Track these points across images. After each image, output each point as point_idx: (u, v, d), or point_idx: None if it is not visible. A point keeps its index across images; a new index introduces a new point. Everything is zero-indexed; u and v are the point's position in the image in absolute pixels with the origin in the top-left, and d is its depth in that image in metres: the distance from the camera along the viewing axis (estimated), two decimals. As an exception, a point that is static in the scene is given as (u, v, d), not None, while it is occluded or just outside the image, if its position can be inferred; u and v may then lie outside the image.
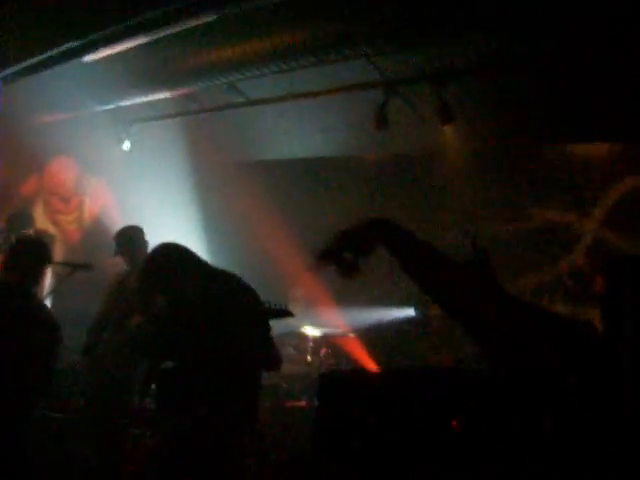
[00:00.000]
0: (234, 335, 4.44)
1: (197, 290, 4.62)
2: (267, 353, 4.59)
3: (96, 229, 10.47)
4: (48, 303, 6.85)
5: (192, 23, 5.84)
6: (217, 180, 9.66)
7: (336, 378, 3.74)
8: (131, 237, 6.43)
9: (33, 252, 4.98)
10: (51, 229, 10.26)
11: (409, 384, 3.37)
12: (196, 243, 7.39)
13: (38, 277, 5.07)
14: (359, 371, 6.75)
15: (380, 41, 5.65)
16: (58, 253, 9.82)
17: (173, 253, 4.77)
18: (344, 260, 2.13)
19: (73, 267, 5.93)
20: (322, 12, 5.73)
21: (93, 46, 5.95)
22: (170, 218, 8.43)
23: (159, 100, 7.94)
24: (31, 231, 7.49)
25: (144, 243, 6.42)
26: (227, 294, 4.61)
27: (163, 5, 4.97)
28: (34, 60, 6.25)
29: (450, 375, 3.35)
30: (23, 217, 7.71)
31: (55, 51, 5.98)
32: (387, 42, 5.66)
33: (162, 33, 5.99)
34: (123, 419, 6.23)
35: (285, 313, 5.18)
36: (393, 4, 5.33)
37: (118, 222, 7.48)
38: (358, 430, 3.10)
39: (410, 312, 8.43)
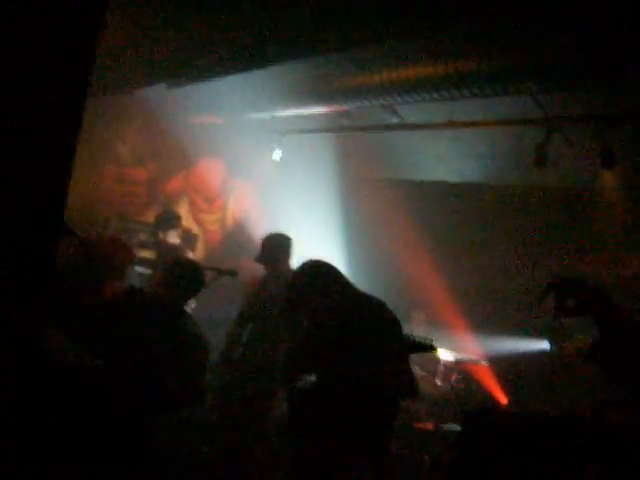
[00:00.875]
0: (373, 361, 4.39)
1: (341, 312, 4.61)
2: (405, 383, 4.52)
3: (237, 232, 10.65)
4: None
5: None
6: (363, 195, 9.66)
7: (482, 419, 3.64)
8: (280, 244, 6.40)
9: (190, 276, 5.08)
10: (194, 228, 10.49)
11: (554, 431, 3.25)
12: (335, 255, 7.38)
13: (190, 298, 5.19)
14: (504, 412, 6.61)
15: (549, 80, 5.47)
16: (199, 252, 10.03)
17: (321, 272, 4.75)
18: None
19: (219, 272, 5.97)
20: (490, 44, 5.59)
21: (264, 62, 6.00)
22: (313, 228, 8.48)
23: (312, 114, 7.97)
24: (178, 231, 7.64)
25: (290, 253, 6.41)
26: (371, 320, 4.55)
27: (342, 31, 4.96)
28: (204, 70, 6.40)
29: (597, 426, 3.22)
30: (171, 217, 7.89)
31: (229, 64, 6.08)
32: (556, 81, 5.48)
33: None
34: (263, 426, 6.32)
35: (429, 348, 5.09)
36: (567, 40, 5.15)
37: (260, 227, 7.55)
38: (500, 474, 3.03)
39: (544, 345, 8.19)
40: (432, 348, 4.89)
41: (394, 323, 4.60)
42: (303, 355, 4.78)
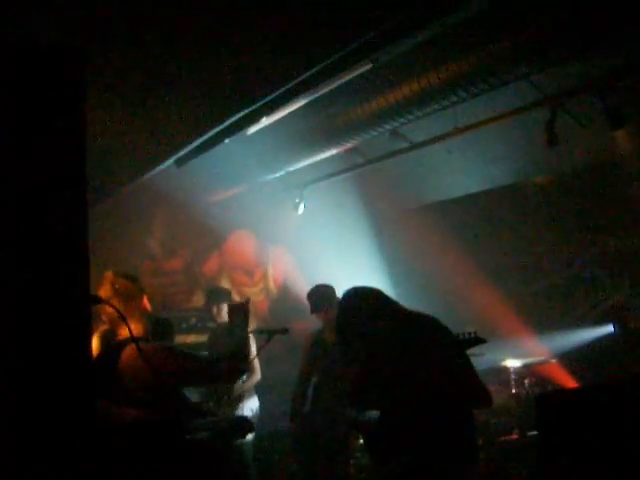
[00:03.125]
0: (441, 376, 4.30)
1: (397, 332, 4.54)
2: (475, 389, 4.41)
3: (283, 296, 10.65)
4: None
5: (349, 75, 5.89)
6: (397, 228, 9.64)
7: (555, 398, 3.55)
8: (324, 294, 6.49)
9: None
10: (241, 303, 10.46)
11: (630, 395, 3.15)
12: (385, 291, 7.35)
13: None
14: (574, 389, 6.47)
15: (539, 57, 5.44)
16: (251, 325, 10.00)
17: (368, 296, 4.67)
18: None
19: (269, 333, 5.95)
20: (472, 42, 5.62)
21: (257, 115, 6.06)
22: (353, 270, 8.46)
23: (326, 159, 8.01)
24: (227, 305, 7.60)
25: (336, 301, 6.43)
26: (430, 335, 4.44)
27: (318, 62, 4.98)
28: (202, 139, 6.47)
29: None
30: (222, 291, 7.88)
31: (220, 127, 6.15)
32: (547, 57, 5.44)
33: (321, 91, 6.08)
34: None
35: (478, 340, 5.00)
36: (547, 15, 5.15)
37: (303, 285, 7.54)
38: (587, 448, 2.93)
39: (609, 329, 8.04)
40: (481, 340, 4.80)
41: (447, 330, 4.50)
42: (366, 386, 4.69)
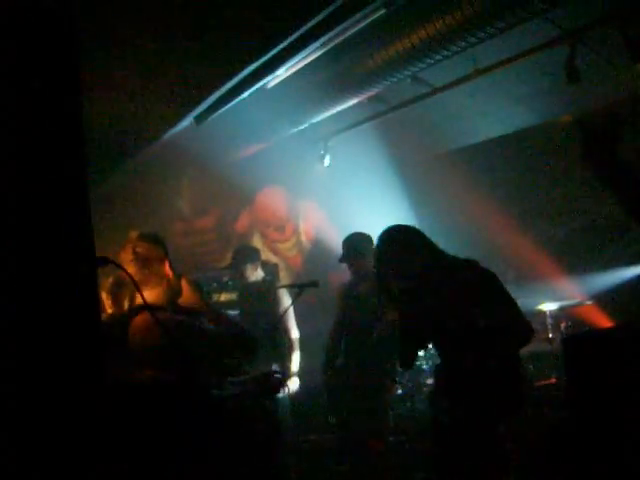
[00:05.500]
0: (487, 313, 4.37)
1: (437, 272, 4.58)
2: (524, 326, 4.40)
3: (316, 250, 10.63)
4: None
5: (364, 22, 5.82)
6: (423, 174, 9.54)
7: (581, 339, 3.54)
8: (359, 241, 6.38)
9: None
10: (273, 259, 10.49)
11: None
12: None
13: None
14: (600, 330, 6.44)
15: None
16: (285, 280, 10.01)
17: (408, 235, 4.75)
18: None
19: (299, 287, 5.97)
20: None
21: (271, 66, 6.00)
22: (384, 219, 8.41)
23: (349, 109, 7.92)
24: (257, 265, 7.55)
25: (371, 251, 6.38)
26: (470, 274, 4.51)
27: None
28: (219, 93, 6.41)
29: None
30: (250, 250, 7.83)
31: (236, 79, 6.09)
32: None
33: (338, 39, 6.03)
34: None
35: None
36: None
37: (335, 238, 7.50)
38: (614, 386, 2.93)
39: (642, 268, 7.95)
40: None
41: (492, 275, 4.53)
42: (412, 331, 4.69)
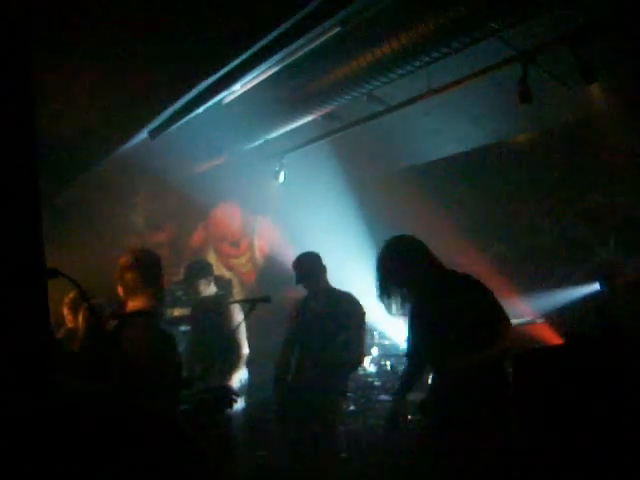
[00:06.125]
0: (485, 327, 4.49)
1: (437, 284, 4.77)
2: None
3: (270, 266, 10.62)
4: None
5: (319, 40, 5.88)
6: (377, 191, 9.62)
7: (530, 356, 3.61)
8: (311, 262, 6.43)
9: None
10: (226, 274, 10.47)
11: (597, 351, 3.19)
12: (369, 254, 7.39)
13: None
14: (549, 347, 6.56)
15: (508, 13, 5.37)
16: (238, 296, 10.00)
17: (409, 246, 4.94)
18: None
19: (252, 302, 5.95)
20: (440, 1, 5.56)
21: (226, 81, 6.01)
22: (338, 237, 8.44)
23: (304, 126, 7.96)
24: (211, 279, 7.52)
25: (323, 268, 6.44)
26: (468, 288, 4.71)
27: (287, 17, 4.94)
28: (174, 107, 6.41)
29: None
30: (203, 265, 7.77)
31: (191, 94, 6.09)
32: (515, 13, 5.38)
33: (293, 56, 6.07)
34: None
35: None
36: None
37: (289, 254, 7.52)
38: (562, 402, 2.99)
39: (596, 287, 8.04)
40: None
41: (485, 289, 4.73)
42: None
